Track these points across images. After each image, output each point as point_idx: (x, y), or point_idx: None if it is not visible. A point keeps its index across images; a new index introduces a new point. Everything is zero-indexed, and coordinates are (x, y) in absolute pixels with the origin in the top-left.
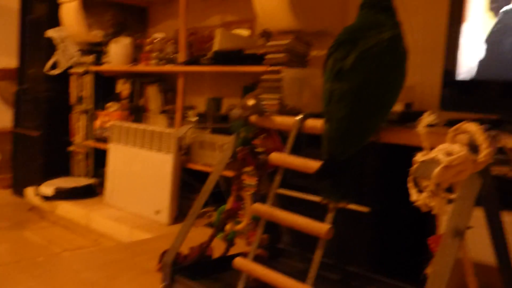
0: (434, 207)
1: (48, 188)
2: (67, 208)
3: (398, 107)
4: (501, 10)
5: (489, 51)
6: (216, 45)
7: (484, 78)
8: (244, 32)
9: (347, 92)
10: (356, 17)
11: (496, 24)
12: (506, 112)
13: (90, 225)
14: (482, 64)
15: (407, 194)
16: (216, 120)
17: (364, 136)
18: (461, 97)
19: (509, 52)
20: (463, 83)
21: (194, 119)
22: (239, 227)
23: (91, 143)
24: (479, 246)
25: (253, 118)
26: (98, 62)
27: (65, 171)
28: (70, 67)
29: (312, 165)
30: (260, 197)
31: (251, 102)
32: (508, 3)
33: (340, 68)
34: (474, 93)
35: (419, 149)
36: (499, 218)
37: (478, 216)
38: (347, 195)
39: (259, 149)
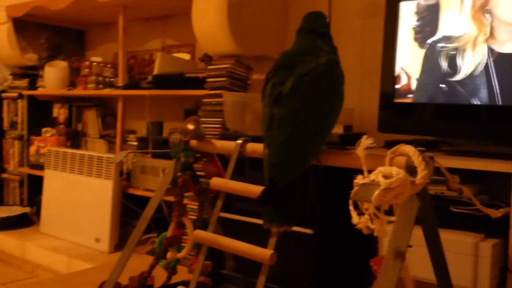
0: (375, 230)
1: None
2: (0, 239)
3: (337, 130)
4: (428, 41)
5: (422, 76)
6: (156, 69)
7: (419, 101)
8: (184, 55)
9: (286, 117)
10: (294, 43)
11: (426, 51)
12: (440, 133)
13: (25, 256)
14: (417, 87)
15: (349, 216)
16: (157, 144)
17: (304, 161)
18: (397, 120)
19: (438, 77)
20: (399, 105)
21: (135, 143)
22: (180, 254)
23: (26, 170)
24: (419, 264)
25: (193, 142)
26: (32, 86)
27: None
28: (3, 91)
29: (254, 190)
30: (202, 223)
31: (190, 126)
32: (432, 35)
33: (278, 92)
34: (410, 116)
35: (359, 171)
36: (437, 236)
37: (417, 235)
38: (289, 220)
39: (201, 174)
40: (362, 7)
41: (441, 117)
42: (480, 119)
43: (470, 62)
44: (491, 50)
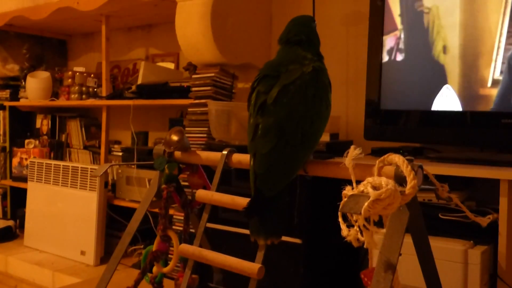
0: (365, 242)
1: None
2: None
3: (324, 138)
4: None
5: (406, 82)
6: (140, 78)
7: (404, 108)
8: (169, 65)
9: (271, 126)
10: (277, 52)
11: (404, 59)
12: (427, 140)
13: (8, 270)
14: (402, 94)
15: (338, 225)
16: (142, 155)
17: (291, 171)
18: (383, 127)
19: (420, 84)
20: (385, 113)
21: (120, 154)
22: (166, 269)
23: (9, 182)
24: (409, 272)
25: (178, 154)
26: (14, 97)
27: None
28: None
29: (241, 202)
30: (188, 236)
31: (175, 137)
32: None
33: (263, 102)
34: (396, 123)
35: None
36: (427, 245)
37: (407, 243)
38: (276, 232)
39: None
40: (346, 14)
41: (427, 124)
42: (466, 125)
43: None
44: None
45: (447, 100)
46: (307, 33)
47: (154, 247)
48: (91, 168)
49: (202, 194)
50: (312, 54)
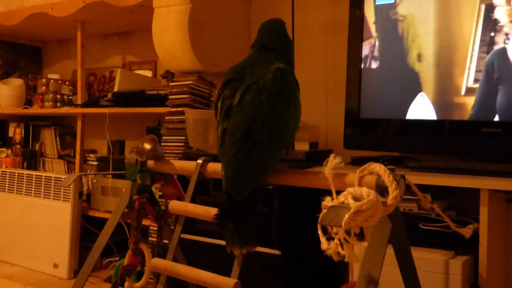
0: (346, 255)
1: None
2: None
3: (303, 147)
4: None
5: (384, 91)
6: (117, 86)
7: (384, 116)
8: (146, 72)
9: (238, 126)
10: (246, 57)
11: (380, 66)
12: (406, 149)
13: None
14: (381, 103)
15: (318, 236)
16: (118, 164)
17: (261, 171)
18: (363, 136)
19: (396, 92)
20: (365, 122)
21: (95, 163)
22: (138, 284)
23: None
24: (391, 283)
25: (151, 163)
26: None
27: None
28: None
29: (215, 213)
30: (162, 249)
31: (147, 146)
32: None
33: (229, 106)
34: (376, 132)
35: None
36: (409, 256)
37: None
38: (250, 239)
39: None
40: (325, 22)
41: (406, 133)
42: (446, 134)
43: None
44: None
45: (422, 108)
46: (282, 40)
47: (125, 261)
48: (64, 178)
49: (175, 205)
50: (279, 58)
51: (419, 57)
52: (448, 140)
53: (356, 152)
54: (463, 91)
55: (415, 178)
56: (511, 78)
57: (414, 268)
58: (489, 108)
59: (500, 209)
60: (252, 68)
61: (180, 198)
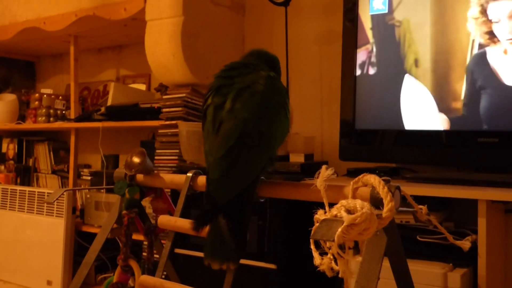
0: (340, 271)
1: None
2: None
3: (299, 159)
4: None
5: (380, 98)
6: (110, 100)
7: (380, 127)
8: (140, 86)
9: (230, 130)
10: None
11: (376, 73)
12: (403, 160)
13: None
14: (376, 111)
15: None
16: (112, 179)
17: (247, 174)
18: (359, 147)
19: (393, 99)
20: (360, 132)
21: (89, 178)
22: None
23: None
24: None
25: (140, 177)
26: None
27: None
28: None
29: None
30: (152, 266)
31: (136, 159)
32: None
33: (220, 119)
34: (371, 143)
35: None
36: (406, 269)
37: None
38: (233, 254)
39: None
40: (319, 33)
41: (402, 144)
42: (442, 144)
43: None
44: None
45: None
46: (272, 65)
47: (114, 278)
48: (50, 194)
49: (164, 220)
50: (267, 66)
51: (416, 63)
52: (445, 150)
53: (352, 164)
54: (462, 96)
55: (412, 190)
56: (492, 83)
57: (411, 282)
58: (480, 115)
59: (499, 220)
60: (241, 69)
61: (171, 213)
